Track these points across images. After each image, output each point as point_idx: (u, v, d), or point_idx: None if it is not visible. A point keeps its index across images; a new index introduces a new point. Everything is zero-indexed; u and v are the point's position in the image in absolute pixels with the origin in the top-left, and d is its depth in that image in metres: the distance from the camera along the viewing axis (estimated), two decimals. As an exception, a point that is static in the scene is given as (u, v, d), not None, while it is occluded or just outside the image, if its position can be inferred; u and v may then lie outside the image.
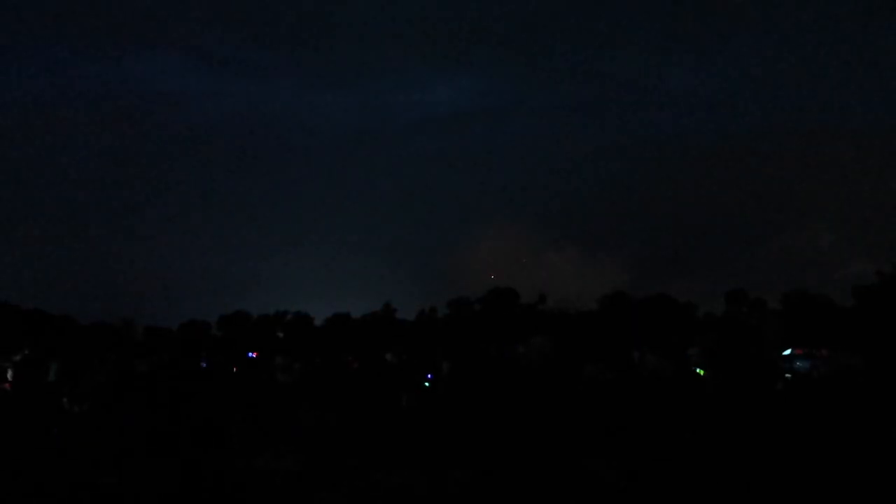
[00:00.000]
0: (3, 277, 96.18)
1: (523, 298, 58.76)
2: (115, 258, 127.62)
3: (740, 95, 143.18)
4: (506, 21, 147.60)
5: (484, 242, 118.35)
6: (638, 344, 23.27)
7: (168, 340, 60.47)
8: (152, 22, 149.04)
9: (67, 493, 7.01)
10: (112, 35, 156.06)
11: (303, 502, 6.66)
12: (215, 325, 72.66)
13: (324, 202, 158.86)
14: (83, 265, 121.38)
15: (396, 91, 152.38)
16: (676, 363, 15.81)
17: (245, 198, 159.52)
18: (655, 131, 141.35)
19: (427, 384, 17.85)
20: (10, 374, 15.96)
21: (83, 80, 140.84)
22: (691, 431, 8.51)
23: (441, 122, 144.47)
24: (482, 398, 13.75)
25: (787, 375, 15.75)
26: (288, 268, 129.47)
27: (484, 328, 48.48)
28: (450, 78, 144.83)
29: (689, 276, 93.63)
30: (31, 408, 12.32)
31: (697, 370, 15.80)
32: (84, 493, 6.95)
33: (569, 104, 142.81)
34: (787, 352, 26.37)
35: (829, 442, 9.28)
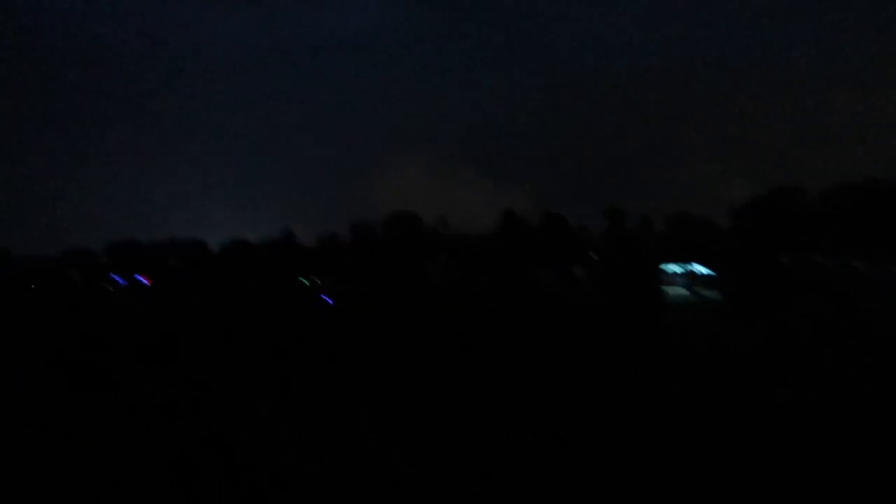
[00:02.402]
0: None
1: (425, 223, 59.10)
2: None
3: (646, 37, 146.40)
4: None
5: (387, 168, 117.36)
6: (533, 262, 24.20)
7: (50, 269, 56.75)
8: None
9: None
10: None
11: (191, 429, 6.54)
12: (102, 254, 68.71)
13: (222, 125, 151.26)
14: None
15: (303, 11, 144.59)
16: (568, 278, 16.69)
17: (139, 119, 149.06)
18: (562, 65, 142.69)
19: (328, 307, 17.95)
20: None
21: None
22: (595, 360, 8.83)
23: (348, 46, 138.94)
24: (386, 324, 13.96)
25: (666, 288, 17.01)
26: (181, 193, 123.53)
27: (387, 252, 48.69)
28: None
29: (585, 203, 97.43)
30: None
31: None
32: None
33: (486, 35, 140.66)
34: (668, 267, 28.38)
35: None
